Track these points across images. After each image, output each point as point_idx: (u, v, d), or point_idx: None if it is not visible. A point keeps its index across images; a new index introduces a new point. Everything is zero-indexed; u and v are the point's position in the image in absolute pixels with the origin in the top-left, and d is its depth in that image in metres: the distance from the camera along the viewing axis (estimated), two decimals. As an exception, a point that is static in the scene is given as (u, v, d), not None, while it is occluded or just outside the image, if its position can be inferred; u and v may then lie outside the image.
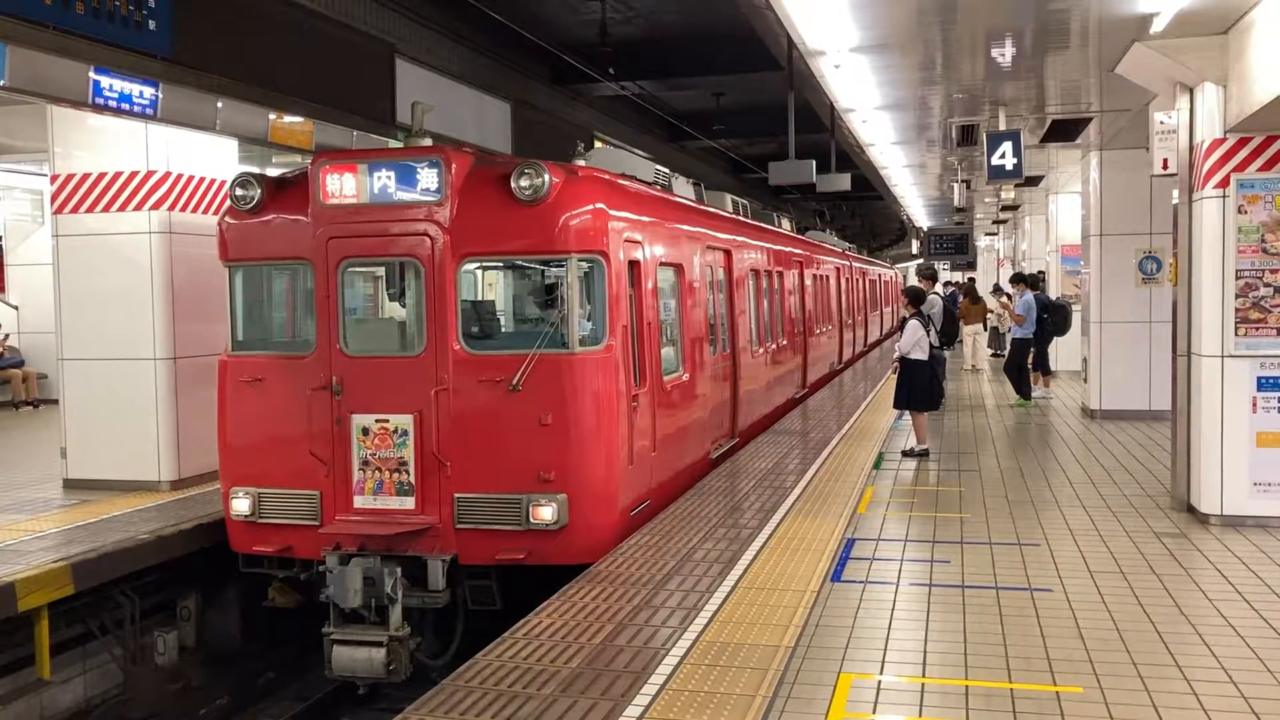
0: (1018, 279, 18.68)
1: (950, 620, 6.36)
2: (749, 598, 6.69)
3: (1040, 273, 21.49)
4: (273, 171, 12.94)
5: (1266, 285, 8.56)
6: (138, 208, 10.81)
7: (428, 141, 8.80)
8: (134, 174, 10.81)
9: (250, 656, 9.75)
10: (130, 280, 10.82)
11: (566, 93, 19.41)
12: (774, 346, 15.65)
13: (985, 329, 25.82)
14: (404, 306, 8.75)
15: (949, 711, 5.06)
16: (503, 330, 9.59)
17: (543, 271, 9.18)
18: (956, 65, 10.63)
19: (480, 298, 10.30)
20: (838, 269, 24.25)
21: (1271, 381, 8.58)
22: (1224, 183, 8.60)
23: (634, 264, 9.04)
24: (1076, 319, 17.45)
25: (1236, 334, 8.61)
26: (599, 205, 8.49)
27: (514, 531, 8.08)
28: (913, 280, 17.26)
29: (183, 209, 10.98)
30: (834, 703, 5.14)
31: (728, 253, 12.93)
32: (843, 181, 18.41)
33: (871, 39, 9.33)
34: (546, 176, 8.13)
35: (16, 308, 19.05)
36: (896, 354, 12.24)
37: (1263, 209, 8.53)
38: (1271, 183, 8.53)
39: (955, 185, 21.48)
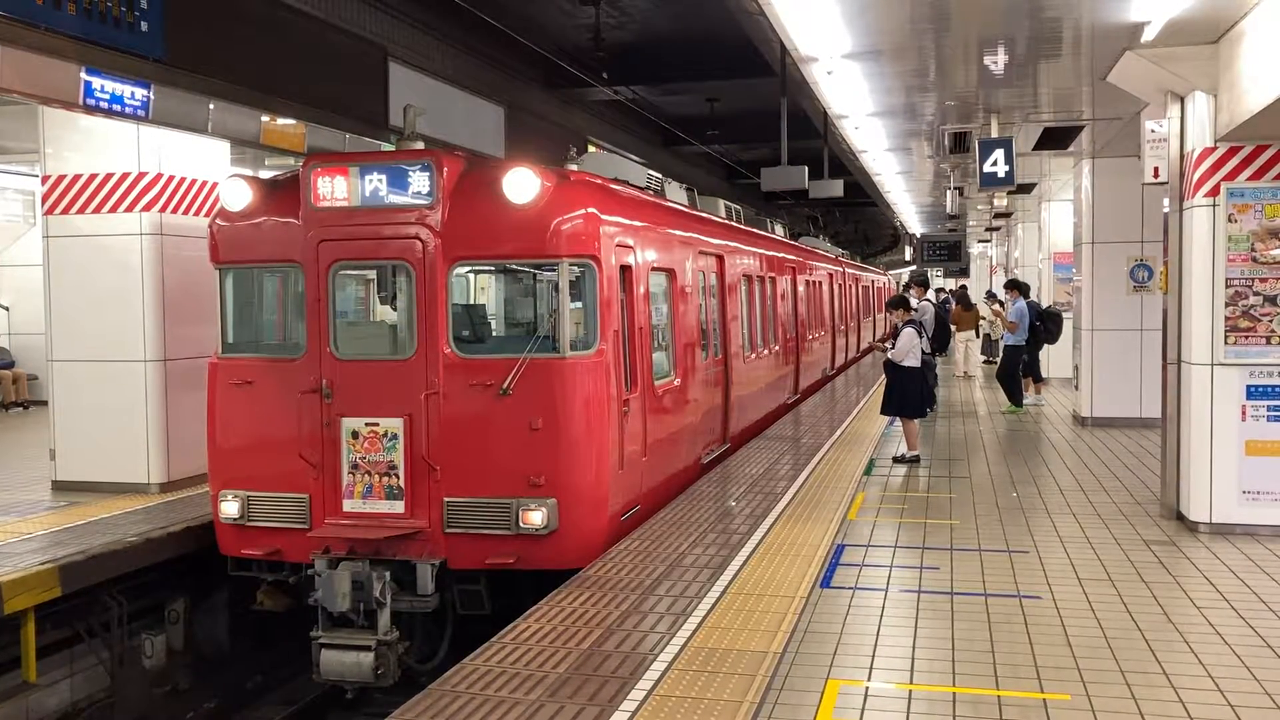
0: (1011, 285, 18.73)
1: (939, 627, 6.36)
2: (738, 603, 6.68)
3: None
4: (265, 174, 12.94)
5: (1256, 294, 8.58)
6: (129, 209, 10.79)
7: (420, 145, 8.79)
8: (125, 175, 10.79)
9: (238, 660, 9.71)
10: (121, 282, 10.79)
11: (560, 97, 19.42)
12: (766, 352, 15.65)
13: (978, 336, 25.86)
14: (395, 310, 8.73)
15: (937, 718, 5.06)
16: (494, 334, 9.58)
17: (534, 275, 9.18)
18: (949, 72, 10.64)
19: (471, 301, 10.29)
20: (830, 275, 24.28)
21: (1261, 390, 8.59)
22: (1214, 191, 8.63)
23: (626, 269, 9.04)
24: (1068, 326, 17.49)
25: (1226, 342, 8.62)
26: (590, 210, 8.49)
27: (503, 536, 8.07)
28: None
29: (174, 211, 10.96)
30: (821, 709, 5.13)
31: (720, 258, 12.93)
32: (835, 188, 18.50)
33: (864, 45, 9.34)
34: (538, 180, 8.13)
35: (7, 309, 19.00)
36: (887, 354, 12.20)
37: (1253, 218, 8.56)
38: (1261, 191, 8.55)
39: (948, 192, 21.54)
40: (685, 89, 20.41)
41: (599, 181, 9.32)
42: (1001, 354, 17.96)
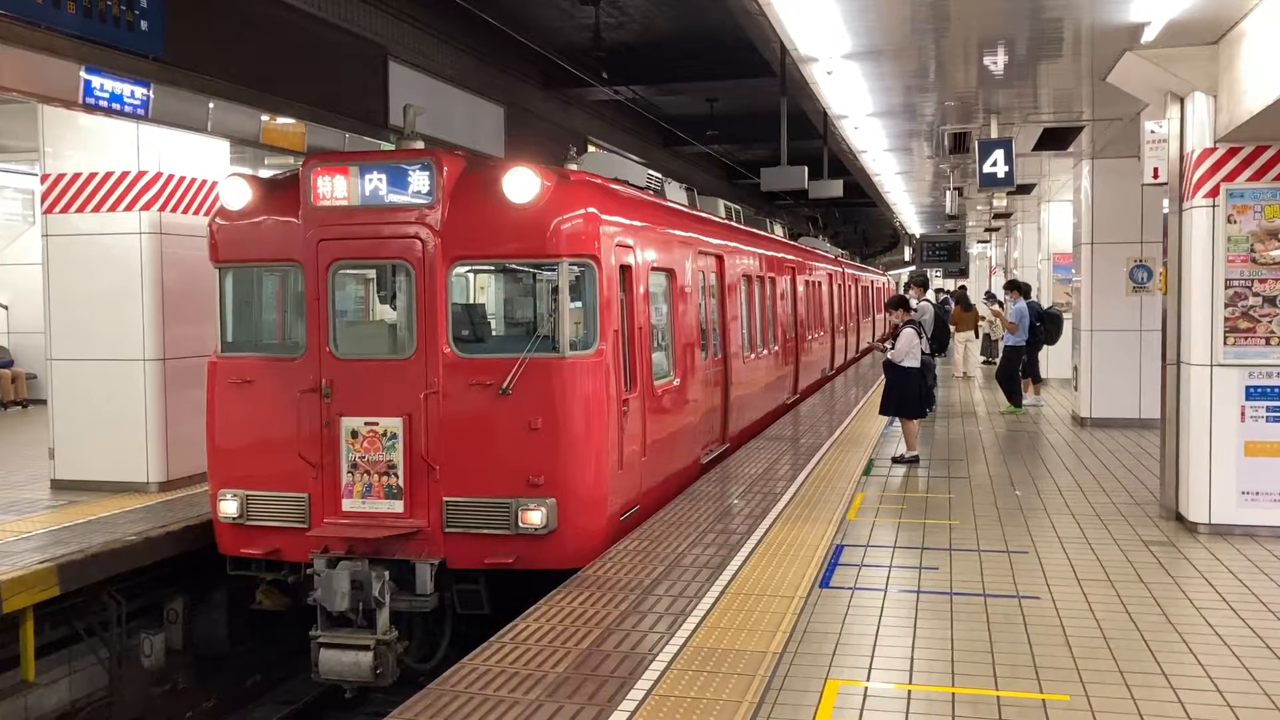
0: (1011, 286, 18.73)
1: (938, 627, 6.36)
2: (737, 604, 6.68)
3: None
4: (265, 173, 12.94)
5: (1255, 294, 8.58)
6: (128, 208, 10.78)
7: (419, 144, 8.79)
8: (125, 174, 10.78)
9: (237, 659, 9.71)
10: (120, 281, 10.78)
11: (560, 97, 19.43)
12: (766, 352, 15.66)
13: (977, 336, 25.86)
14: (394, 309, 8.73)
15: (936, 719, 5.06)
16: (493, 334, 9.58)
17: (534, 275, 9.18)
18: (949, 73, 10.64)
19: (471, 301, 10.28)
20: (830, 275, 24.28)
21: (1260, 390, 8.59)
22: (1214, 192, 8.63)
23: (625, 269, 9.04)
24: (1067, 327, 17.50)
25: (1225, 343, 8.62)
26: (590, 209, 8.49)
27: (503, 536, 8.07)
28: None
29: (173, 210, 10.95)
30: (820, 709, 5.13)
31: (720, 258, 12.93)
32: (835, 188, 18.49)
33: (864, 46, 9.34)
34: (538, 180, 8.13)
35: (6, 307, 18.99)
36: (886, 354, 12.20)
37: (1252, 218, 8.56)
38: (1261, 193, 8.55)
39: (948, 192, 21.53)
40: (685, 89, 20.41)
41: (599, 181, 9.32)
42: (1001, 355, 17.96)
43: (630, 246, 9.19)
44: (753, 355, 14.65)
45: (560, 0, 15.38)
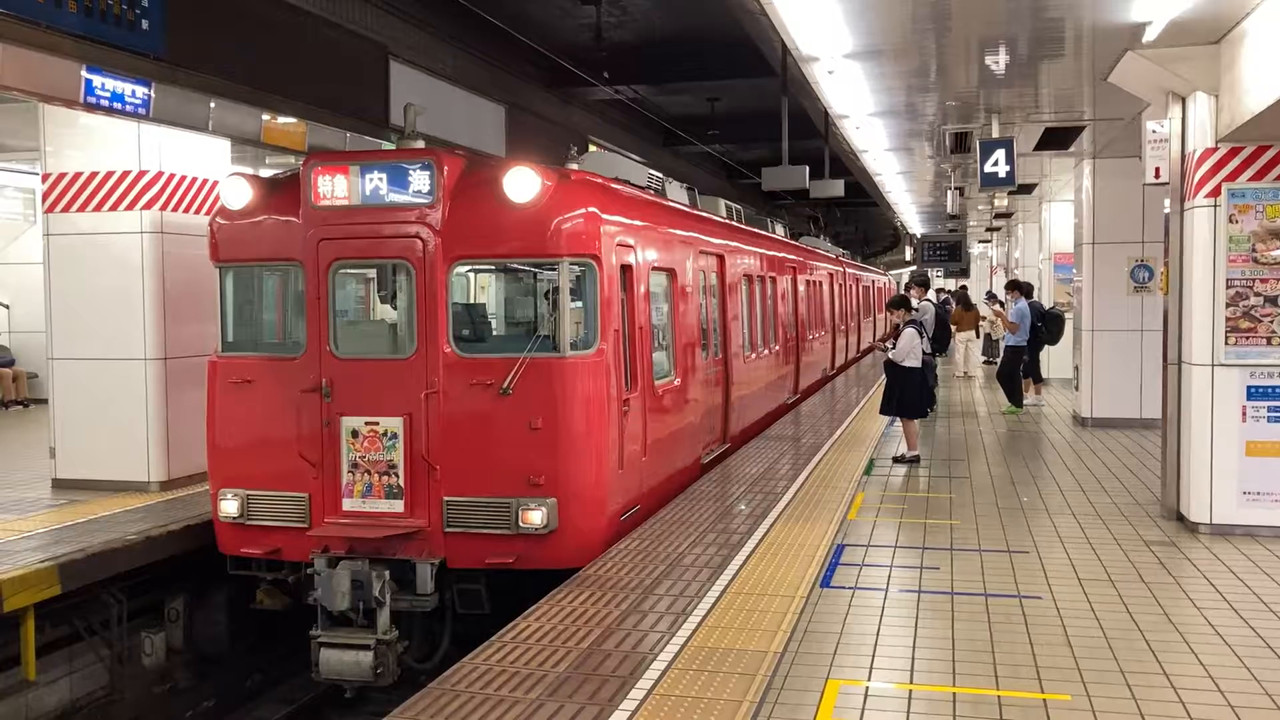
0: (1012, 286, 18.72)
1: (939, 627, 6.36)
2: (738, 603, 6.68)
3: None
4: (265, 173, 12.94)
5: (1257, 294, 8.57)
6: (129, 207, 10.78)
7: (420, 144, 8.78)
8: (126, 174, 10.78)
9: (238, 659, 9.71)
10: (121, 280, 10.78)
11: (561, 96, 19.43)
12: (766, 352, 15.65)
13: (978, 336, 25.86)
14: (395, 309, 8.73)
15: (937, 718, 5.06)
16: (494, 333, 9.58)
17: (534, 275, 9.18)
18: (950, 72, 10.64)
19: (471, 301, 10.28)
20: (830, 275, 24.28)
21: (1261, 390, 8.59)
22: (1215, 192, 8.62)
23: (626, 268, 9.03)
24: (1068, 327, 17.49)
25: (1227, 343, 8.62)
26: (591, 209, 8.49)
27: (503, 535, 8.07)
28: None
29: (174, 209, 10.95)
30: (821, 709, 5.13)
31: (720, 258, 12.93)
32: (836, 187, 18.50)
33: (865, 45, 9.33)
34: (539, 180, 8.13)
35: (7, 307, 18.99)
36: (888, 354, 12.20)
37: (1253, 218, 8.55)
38: (1262, 192, 8.54)
39: (949, 192, 21.53)
40: (686, 88, 20.42)
41: (600, 181, 9.31)
42: (1002, 354, 17.96)
43: (631, 246, 9.18)
44: (753, 355, 14.65)
45: (561, -1, 15.40)
